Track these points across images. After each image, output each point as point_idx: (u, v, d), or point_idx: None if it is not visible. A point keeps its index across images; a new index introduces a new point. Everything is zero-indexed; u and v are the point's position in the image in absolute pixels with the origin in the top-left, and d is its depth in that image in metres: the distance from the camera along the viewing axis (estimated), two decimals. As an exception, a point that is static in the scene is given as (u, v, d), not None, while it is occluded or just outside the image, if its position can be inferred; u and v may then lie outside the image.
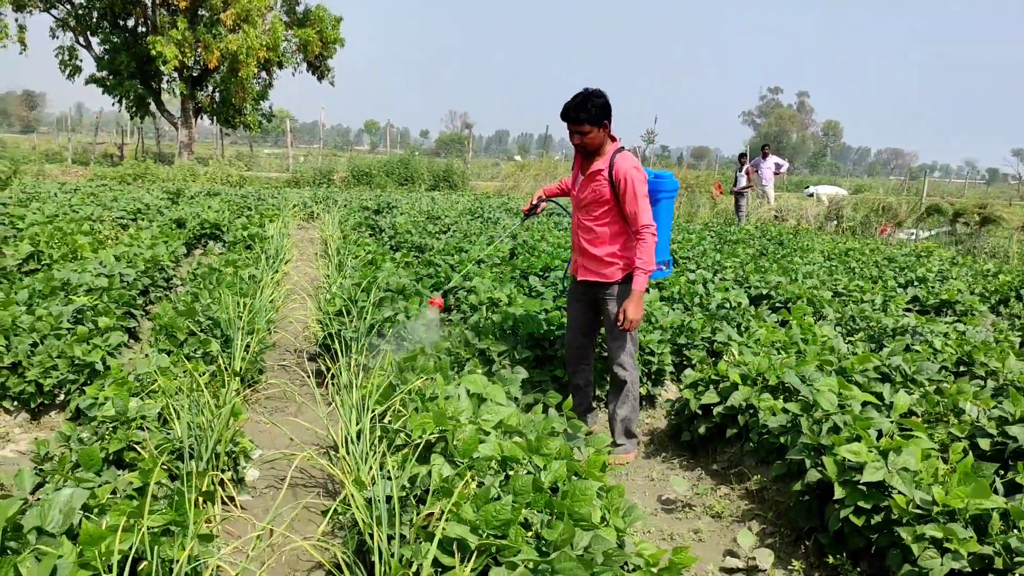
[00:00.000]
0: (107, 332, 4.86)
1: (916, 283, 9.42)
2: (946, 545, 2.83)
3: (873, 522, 3.15)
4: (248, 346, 4.84)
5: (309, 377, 4.52)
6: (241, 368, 4.58)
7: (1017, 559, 2.64)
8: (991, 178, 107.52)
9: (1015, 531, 2.80)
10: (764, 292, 8.07)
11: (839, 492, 3.23)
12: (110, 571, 2.09)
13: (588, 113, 4.06)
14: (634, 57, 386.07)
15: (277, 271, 7.37)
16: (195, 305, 5.09)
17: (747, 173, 18.56)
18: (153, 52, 28.09)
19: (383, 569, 2.31)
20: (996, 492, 3.21)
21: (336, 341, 5.02)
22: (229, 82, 30.53)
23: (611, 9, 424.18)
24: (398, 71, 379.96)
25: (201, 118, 33.75)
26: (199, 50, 29.48)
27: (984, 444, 3.81)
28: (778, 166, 20.57)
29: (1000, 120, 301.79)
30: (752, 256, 10.72)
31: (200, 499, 2.71)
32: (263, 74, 33.30)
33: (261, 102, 33.86)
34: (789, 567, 3.36)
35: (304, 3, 33.53)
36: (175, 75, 30.81)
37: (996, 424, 3.88)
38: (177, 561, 2.17)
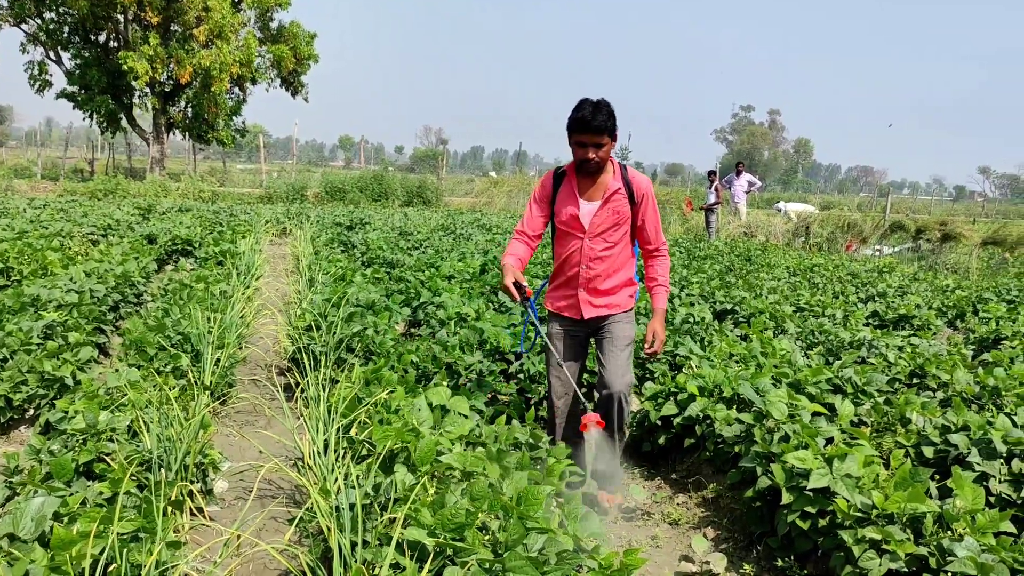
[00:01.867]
0: (77, 347, 4.91)
1: (876, 298, 9.67)
2: (884, 547, 2.98)
3: (819, 526, 3.30)
4: (218, 360, 4.92)
5: (278, 391, 4.60)
6: (211, 382, 4.65)
7: (949, 559, 2.79)
8: (958, 195, 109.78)
9: (948, 532, 2.96)
10: (729, 307, 8.26)
11: (787, 497, 3.37)
12: (81, 575, 2.17)
13: (608, 123, 3.64)
14: (608, 74, 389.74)
15: (248, 287, 7.43)
16: (165, 320, 5.16)
17: (716, 190, 18.89)
18: (124, 67, 27.99)
19: (341, 571, 2.41)
20: (931, 496, 3.37)
21: (305, 355, 5.10)
22: (202, 97, 30.47)
23: (586, 27, 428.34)
24: (373, 87, 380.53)
25: (173, 133, 33.63)
26: (171, 65, 29.41)
27: (928, 452, 3.98)
28: (751, 184, 21.01)
29: (967, 138, 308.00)
30: (719, 272, 10.94)
31: (169, 508, 2.79)
32: (236, 90, 33.26)
33: (234, 117, 33.79)
34: (741, 571, 3.49)
35: (278, 19, 33.58)
36: (147, 90, 30.70)
37: (940, 433, 4.05)
38: (145, 566, 2.26)
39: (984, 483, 3.71)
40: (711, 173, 20.84)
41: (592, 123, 3.60)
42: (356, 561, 2.36)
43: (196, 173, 31.84)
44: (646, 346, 3.90)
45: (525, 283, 3.74)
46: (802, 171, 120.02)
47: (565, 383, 3.96)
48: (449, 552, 2.34)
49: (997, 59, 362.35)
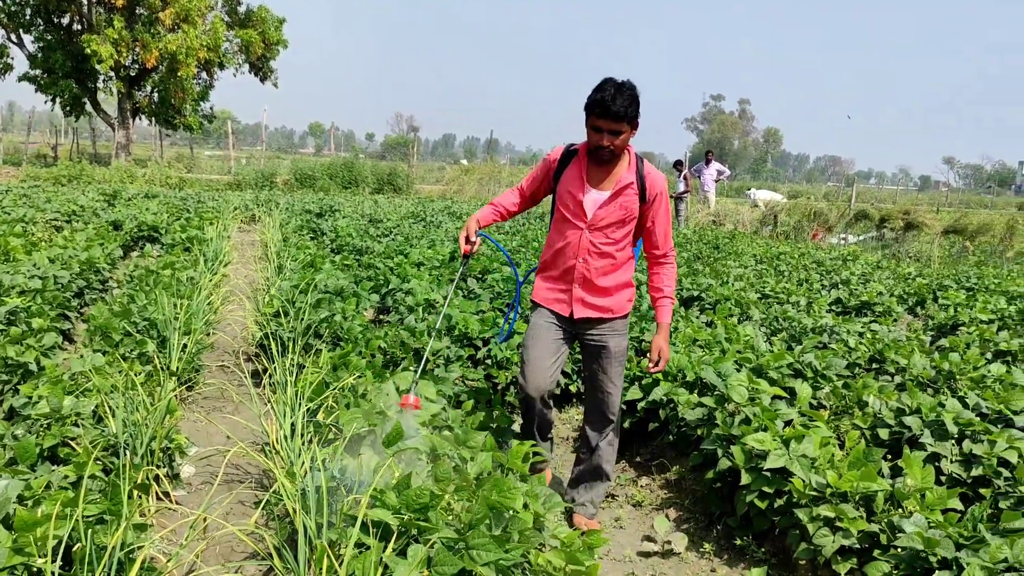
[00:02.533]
0: (41, 333, 4.87)
1: (840, 286, 9.84)
2: (838, 524, 3.08)
3: (776, 505, 3.40)
4: (185, 346, 4.91)
5: (246, 377, 4.60)
6: (178, 368, 4.64)
7: (898, 534, 2.88)
8: (923, 185, 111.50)
9: (898, 510, 3.06)
10: (695, 294, 8.37)
11: (745, 478, 3.47)
12: (44, 556, 2.18)
13: (629, 109, 3.30)
14: (580, 63, 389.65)
15: (216, 273, 7.39)
16: (131, 306, 5.13)
17: (685, 179, 19.07)
18: (88, 51, 27.47)
19: (307, 550, 2.45)
20: (884, 476, 3.47)
21: (273, 341, 5.11)
22: (168, 82, 30.01)
23: (557, 15, 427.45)
24: (345, 73, 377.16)
25: (139, 118, 33.08)
26: (137, 49, 28.92)
27: (883, 434, 4.09)
28: (720, 172, 21.26)
29: (933, 129, 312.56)
30: (687, 260, 11.06)
31: (135, 492, 2.80)
32: (203, 75, 32.78)
33: (202, 103, 33.32)
34: (701, 550, 3.58)
35: (246, 4, 33.13)
36: (111, 74, 30.17)
37: (895, 415, 4.17)
38: (109, 547, 2.27)
39: (936, 463, 3.84)
40: (678, 163, 21.06)
41: (612, 107, 3.24)
42: (321, 540, 2.39)
43: (163, 159, 31.37)
44: (650, 364, 3.63)
45: (476, 239, 3.59)
46: (771, 160, 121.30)
47: (544, 379, 3.61)
48: (413, 532, 2.38)
49: (966, 52, 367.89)
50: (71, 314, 6.13)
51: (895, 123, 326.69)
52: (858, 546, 3.03)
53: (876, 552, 2.96)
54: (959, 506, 3.06)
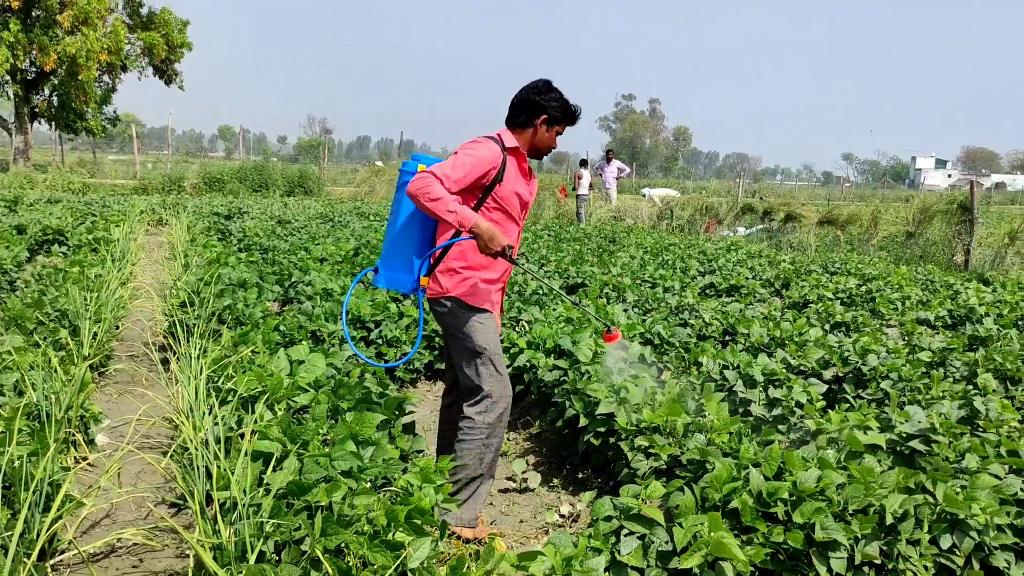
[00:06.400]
0: (-45, 327, 5.22)
1: (715, 271, 10.79)
2: (651, 451, 3.80)
3: (609, 443, 4.11)
4: (96, 335, 5.34)
5: (156, 364, 5.06)
6: (90, 353, 5.08)
7: (692, 454, 3.62)
8: (826, 180, 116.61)
9: (696, 435, 3.81)
10: (580, 281, 9.14)
11: (583, 421, 4.17)
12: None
13: None
14: (492, 64, 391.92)
15: (123, 271, 7.75)
16: (43, 298, 5.53)
17: (579, 177, 19.98)
18: (-17, 54, 26.77)
19: (206, 479, 3.02)
20: (690, 413, 4.23)
21: (180, 328, 5.58)
22: (68, 86, 29.42)
23: (468, 15, 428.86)
24: (255, 76, 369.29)
25: (39, 123, 32.27)
26: (34, 52, 28.28)
27: (711, 387, 4.88)
28: (620, 170, 22.29)
29: (833, 125, 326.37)
30: (577, 252, 11.85)
31: (57, 442, 3.30)
32: (105, 78, 32.20)
33: (104, 107, 32.72)
34: (551, 484, 4.28)
35: (148, 5, 32.68)
36: (7, 78, 29.39)
37: (719, 370, 4.96)
38: (36, 477, 2.80)
39: (747, 407, 4.65)
40: (583, 162, 21.99)
41: (577, 117, 3.58)
42: (217, 469, 2.96)
43: (65, 164, 30.72)
44: None
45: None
46: (682, 158, 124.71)
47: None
48: (296, 456, 2.98)
49: (864, 52, 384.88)
50: (-19, 312, 6.43)
51: (798, 121, 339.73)
52: (665, 467, 3.76)
53: (677, 470, 3.69)
54: (742, 429, 3.82)
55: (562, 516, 3.90)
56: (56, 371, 4.18)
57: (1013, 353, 5.54)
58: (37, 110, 31.07)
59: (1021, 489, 3.20)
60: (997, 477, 3.30)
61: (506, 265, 3.55)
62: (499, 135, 3.49)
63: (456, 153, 3.35)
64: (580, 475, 4.25)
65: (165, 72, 33.54)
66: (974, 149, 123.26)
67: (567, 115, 3.52)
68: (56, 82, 30.10)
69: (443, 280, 3.45)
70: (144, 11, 32.55)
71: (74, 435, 3.88)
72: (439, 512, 3.13)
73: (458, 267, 3.43)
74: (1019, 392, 5.09)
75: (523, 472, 4.34)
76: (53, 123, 31.76)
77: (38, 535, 2.73)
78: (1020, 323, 7.55)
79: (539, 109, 3.46)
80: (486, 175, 3.36)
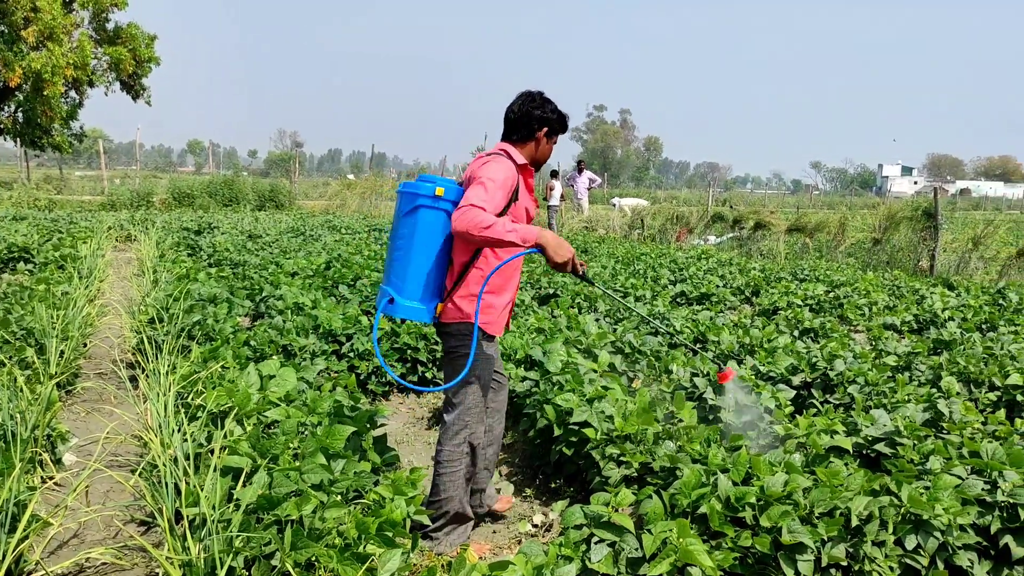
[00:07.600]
0: (-82, 347, 5.14)
1: (686, 280, 10.89)
2: (622, 459, 3.83)
3: (581, 451, 4.13)
4: (63, 353, 5.28)
5: (124, 382, 5.01)
6: (57, 371, 5.02)
7: (662, 461, 3.66)
8: (796, 188, 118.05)
9: (666, 442, 3.84)
10: (551, 292, 9.18)
11: (557, 431, 4.19)
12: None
13: None
14: (463, 74, 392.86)
15: (91, 288, 7.66)
16: (8, 316, 5.45)
17: (550, 188, 20.08)
18: (-55, 70, 26.36)
19: (175, 495, 3.00)
20: (660, 421, 4.27)
21: (149, 345, 5.53)
22: (34, 101, 28.99)
23: (440, 26, 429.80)
24: (224, 90, 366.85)
25: (4, 139, 31.79)
26: (-2, 68, 27.89)
27: (680, 395, 4.93)
28: (591, 181, 22.43)
29: (802, 133, 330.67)
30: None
31: (23, 462, 3.26)
32: (72, 93, 31.81)
33: (71, 122, 32.29)
34: (524, 494, 4.29)
35: (115, 20, 32.34)
36: (-29, 94, 28.96)
37: (690, 377, 5.01)
38: (2, 498, 2.76)
39: (717, 413, 4.69)
40: (554, 173, 22.10)
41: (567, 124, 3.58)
42: (187, 485, 2.95)
43: (31, 181, 30.29)
44: None
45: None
46: (653, 168, 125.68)
47: (489, 425, 3.69)
48: (267, 470, 2.97)
49: (831, 62, 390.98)
50: (-55, 331, 6.33)
51: (768, 129, 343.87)
52: (636, 474, 3.79)
53: (648, 477, 3.73)
54: (713, 436, 3.87)
55: (535, 526, 3.91)
56: (22, 390, 4.13)
57: (976, 356, 5.66)
58: (2, 126, 30.60)
59: (983, 489, 3.27)
60: (960, 478, 3.37)
61: (516, 281, 3.52)
62: (506, 152, 3.39)
63: (477, 179, 3.19)
64: (553, 484, 4.27)
65: (132, 87, 33.17)
66: (939, 156, 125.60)
67: (563, 125, 3.52)
68: (21, 98, 29.65)
69: (463, 305, 3.32)
70: (111, 26, 32.19)
71: (41, 454, 3.83)
72: (411, 524, 3.13)
73: (478, 292, 3.27)
74: (982, 394, 5.20)
75: (495, 483, 4.35)
76: (18, 139, 31.29)
77: (3, 556, 2.70)
78: (983, 327, 7.71)
79: (540, 122, 3.42)
80: (509, 193, 3.26)
